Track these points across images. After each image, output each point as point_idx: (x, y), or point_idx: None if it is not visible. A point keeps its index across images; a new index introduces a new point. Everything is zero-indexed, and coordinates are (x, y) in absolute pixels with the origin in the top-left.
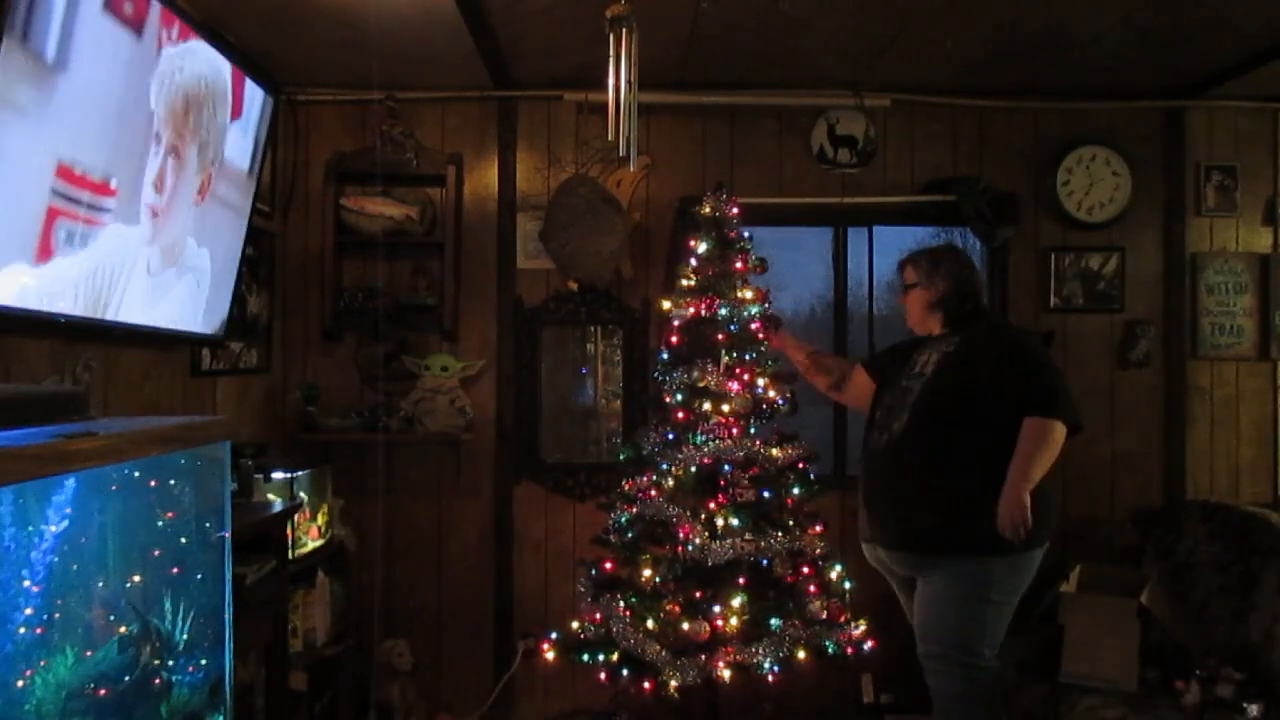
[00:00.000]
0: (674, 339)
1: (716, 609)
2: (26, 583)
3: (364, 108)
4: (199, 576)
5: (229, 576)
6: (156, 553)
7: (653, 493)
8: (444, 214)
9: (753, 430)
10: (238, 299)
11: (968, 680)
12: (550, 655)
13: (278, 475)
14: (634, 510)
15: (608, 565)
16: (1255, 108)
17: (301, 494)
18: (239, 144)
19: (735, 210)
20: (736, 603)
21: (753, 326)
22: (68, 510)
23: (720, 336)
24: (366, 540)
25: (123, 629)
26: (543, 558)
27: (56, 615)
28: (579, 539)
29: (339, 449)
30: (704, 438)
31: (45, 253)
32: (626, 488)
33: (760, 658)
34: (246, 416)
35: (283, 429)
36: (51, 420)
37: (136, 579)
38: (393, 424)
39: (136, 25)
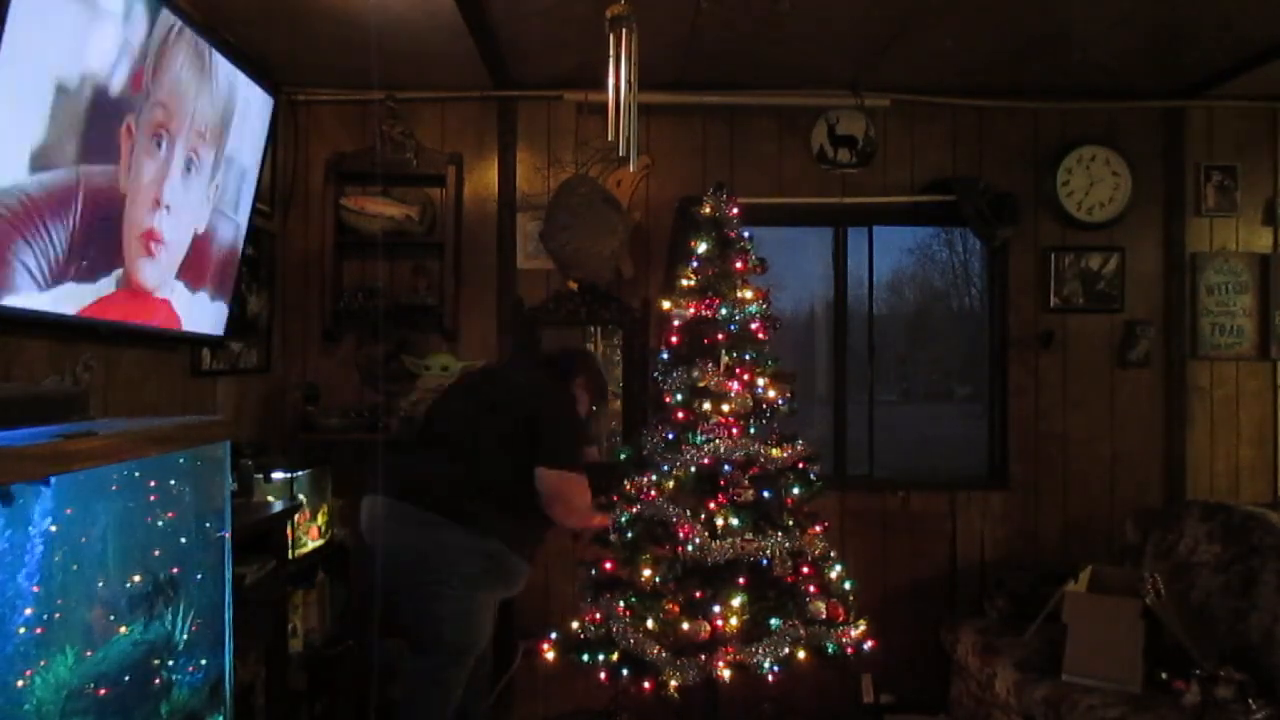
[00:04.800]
0: (674, 339)
1: (716, 609)
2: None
3: (364, 108)
4: (199, 576)
5: (229, 576)
6: (156, 553)
7: (653, 493)
8: (444, 214)
9: (753, 430)
10: (238, 298)
11: None
12: (550, 655)
13: (278, 475)
14: (634, 510)
15: (608, 565)
16: (1255, 108)
17: (301, 494)
18: None
19: (735, 210)
20: (736, 603)
21: (753, 326)
22: (68, 510)
23: (720, 336)
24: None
25: (136, 577)
26: (542, 558)
27: (57, 615)
28: (579, 539)
29: (339, 449)
30: (704, 438)
31: None
32: (627, 488)
33: (760, 658)
34: (246, 416)
35: (283, 429)
36: (51, 420)
37: (137, 578)
38: (393, 424)
39: None
